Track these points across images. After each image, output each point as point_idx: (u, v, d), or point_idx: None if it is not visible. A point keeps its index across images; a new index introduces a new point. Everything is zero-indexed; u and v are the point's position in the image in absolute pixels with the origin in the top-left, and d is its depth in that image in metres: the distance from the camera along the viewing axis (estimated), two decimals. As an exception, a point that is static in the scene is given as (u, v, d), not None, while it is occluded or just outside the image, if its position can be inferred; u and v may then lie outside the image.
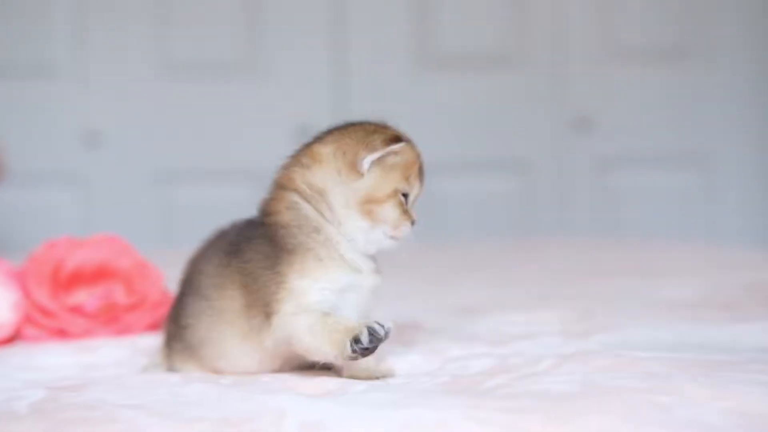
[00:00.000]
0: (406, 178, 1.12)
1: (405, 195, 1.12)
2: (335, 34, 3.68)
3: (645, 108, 3.70)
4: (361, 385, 1.03)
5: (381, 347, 1.03)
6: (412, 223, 1.12)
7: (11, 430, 0.86)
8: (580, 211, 3.71)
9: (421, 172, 1.15)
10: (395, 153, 1.11)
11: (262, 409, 0.91)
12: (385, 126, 1.14)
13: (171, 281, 1.30)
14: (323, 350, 1.03)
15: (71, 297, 1.46)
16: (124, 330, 1.45)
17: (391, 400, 0.92)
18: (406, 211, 1.12)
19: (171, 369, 1.18)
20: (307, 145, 1.16)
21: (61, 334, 1.44)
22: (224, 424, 0.87)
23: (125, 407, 0.94)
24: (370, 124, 1.14)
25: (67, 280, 1.46)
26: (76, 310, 1.45)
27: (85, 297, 1.45)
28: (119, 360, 1.31)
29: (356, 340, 1.01)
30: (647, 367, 0.99)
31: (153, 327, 1.46)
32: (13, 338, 1.45)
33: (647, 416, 0.81)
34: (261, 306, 1.07)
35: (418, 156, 1.14)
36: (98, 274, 1.49)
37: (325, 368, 1.10)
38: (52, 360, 1.29)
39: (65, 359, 1.31)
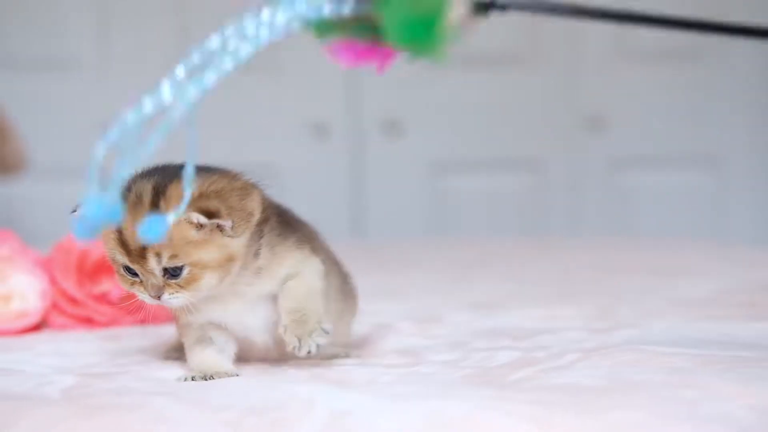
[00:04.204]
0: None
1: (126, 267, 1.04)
2: (352, 30, 3.69)
3: (658, 108, 3.71)
4: (387, 377, 1.05)
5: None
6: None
7: (45, 414, 0.87)
8: (592, 211, 3.72)
9: (123, 244, 1.03)
10: None
11: (289, 398, 0.92)
12: None
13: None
14: None
15: (97, 285, 1.48)
16: (150, 319, 1.46)
17: (417, 392, 0.93)
18: (128, 281, 1.05)
19: None
20: None
21: (87, 322, 1.46)
22: (251, 412, 0.88)
23: (154, 394, 0.95)
24: None
25: (93, 269, 1.48)
26: (102, 298, 1.47)
27: (111, 286, 1.46)
28: (144, 348, 1.32)
29: None
30: (672, 363, 0.99)
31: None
32: (40, 326, 1.46)
33: (675, 411, 0.82)
34: None
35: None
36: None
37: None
38: (79, 347, 1.30)
39: (91, 347, 1.32)
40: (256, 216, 1.06)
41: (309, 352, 1.06)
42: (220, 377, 1.08)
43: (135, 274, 1.04)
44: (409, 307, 1.64)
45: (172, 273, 1.02)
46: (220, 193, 1.03)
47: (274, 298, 1.11)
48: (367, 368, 1.10)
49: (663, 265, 2.12)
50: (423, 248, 2.82)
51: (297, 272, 1.10)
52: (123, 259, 1.03)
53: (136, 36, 3.60)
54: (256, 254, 1.07)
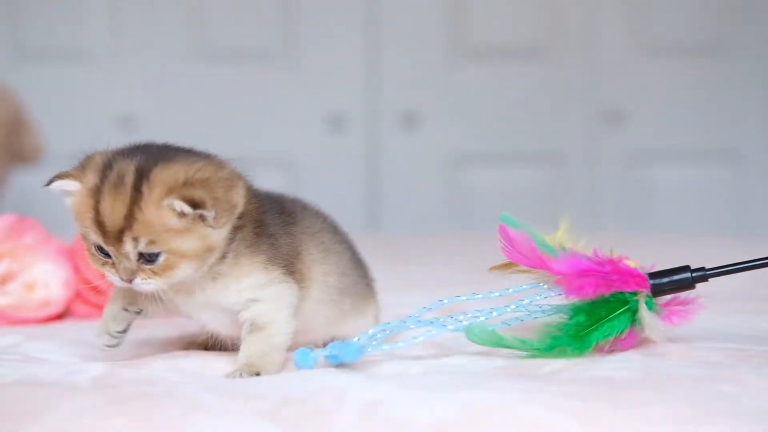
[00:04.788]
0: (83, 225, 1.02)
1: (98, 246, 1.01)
2: (369, 23, 3.68)
3: (677, 102, 3.69)
4: (417, 368, 1.04)
5: None
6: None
7: (79, 402, 0.86)
8: (610, 204, 3.71)
9: (99, 224, 0.99)
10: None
11: (321, 388, 0.91)
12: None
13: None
14: None
15: (122, 275, 1.47)
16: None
17: (450, 383, 0.92)
18: (99, 261, 1.03)
19: None
20: None
21: (111, 311, 1.45)
22: (285, 402, 0.87)
23: (183, 384, 0.95)
24: None
25: (117, 259, 1.47)
26: (126, 288, 1.46)
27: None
28: (169, 338, 1.31)
29: None
30: (706, 357, 0.99)
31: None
32: (63, 315, 1.46)
33: (714, 405, 0.81)
34: None
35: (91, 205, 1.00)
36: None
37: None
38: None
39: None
40: (239, 209, 1.03)
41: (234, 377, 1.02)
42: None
43: (107, 255, 1.00)
44: (431, 298, 1.62)
45: (147, 258, 0.99)
46: (206, 182, 1.00)
47: (224, 311, 1.08)
48: (395, 359, 1.09)
49: (688, 259, 2.09)
50: (441, 241, 2.81)
51: (259, 300, 1.06)
52: (97, 239, 1.00)
53: (149, 29, 3.61)
54: (222, 259, 1.04)
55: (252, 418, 0.85)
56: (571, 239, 1.15)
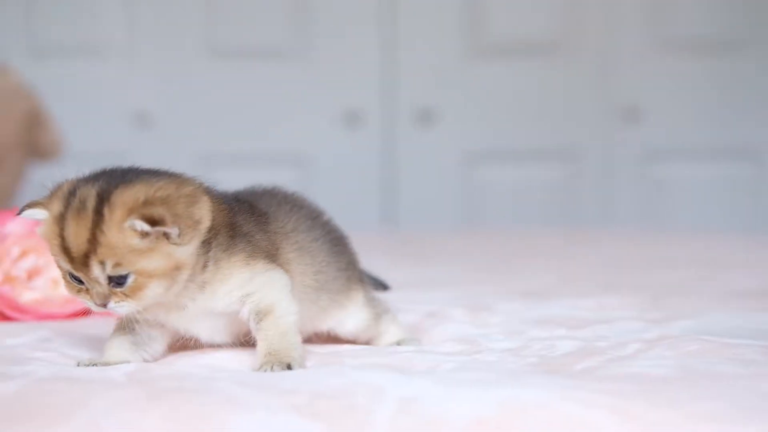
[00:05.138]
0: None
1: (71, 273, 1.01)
2: (385, 19, 3.68)
3: (694, 99, 3.68)
4: (449, 364, 1.04)
5: None
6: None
7: (115, 396, 0.87)
8: (625, 202, 3.70)
9: (65, 251, 1.00)
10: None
11: (356, 383, 0.91)
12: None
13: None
14: None
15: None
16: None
17: (485, 379, 0.92)
18: (74, 289, 1.03)
19: None
20: None
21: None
22: (320, 397, 0.87)
23: (216, 379, 0.95)
24: None
25: (143, 254, 1.47)
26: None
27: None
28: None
29: None
30: (741, 354, 0.98)
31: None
32: (89, 311, 1.46)
33: (755, 403, 0.81)
34: None
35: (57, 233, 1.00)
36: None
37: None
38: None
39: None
40: (205, 224, 1.02)
41: (265, 370, 1.02)
42: (103, 365, 1.05)
43: (81, 282, 1.01)
44: (454, 295, 1.63)
45: (117, 281, 0.99)
46: (167, 200, 0.99)
47: (222, 315, 1.07)
48: (426, 355, 1.09)
49: (709, 257, 2.10)
50: (458, 238, 2.81)
51: (252, 292, 1.05)
52: (66, 266, 1.00)
53: (164, 25, 3.61)
54: (204, 267, 1.03)
55: (287, 412, 0.85)
56: None
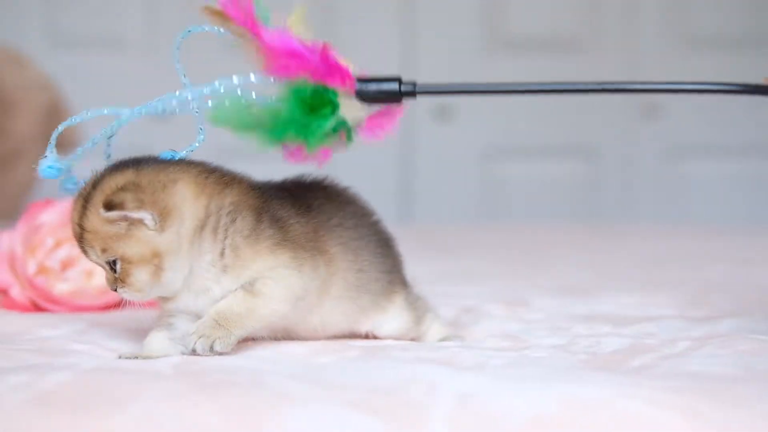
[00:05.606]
0: None
1: None
2: (404, 14, 3.66)
3: (715, 96, 3.64)
4: (498, 360, 1.02)
5: None
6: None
7: (163, 389, 0.85)
8: (646, 199, 3.68)
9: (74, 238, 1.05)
10: None
11: (409, 378, 0.89)
12: None
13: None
14: None
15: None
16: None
17: (539, 376, 0.90)
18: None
19: None
20: None
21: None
22: (374, 392, 0.86)
23: (266, 373, 0.93)
24: None
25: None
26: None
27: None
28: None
29: None
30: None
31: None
32: (122, 302, 1.44)
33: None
34: None
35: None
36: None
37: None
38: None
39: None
40: (184, 211, 1.02)
41: (194, 350, 1.02)
42: (145, 358, 1.05)
43: None
44: (487, 290, 1.61)
45: (112, 267, 1.02)
46: (137, 186, 1.00)
47: None
48: (473, 351, 1.07)
49: (742, 254, 2.08)
50: (480, 232, 2.79)
51: (267, 276, 1.05)
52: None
53: (184, 18, 3.59)
54: (222, 254, 1.04)
55: (341, 407, 0.83)
56: (302, 29, 1.11)
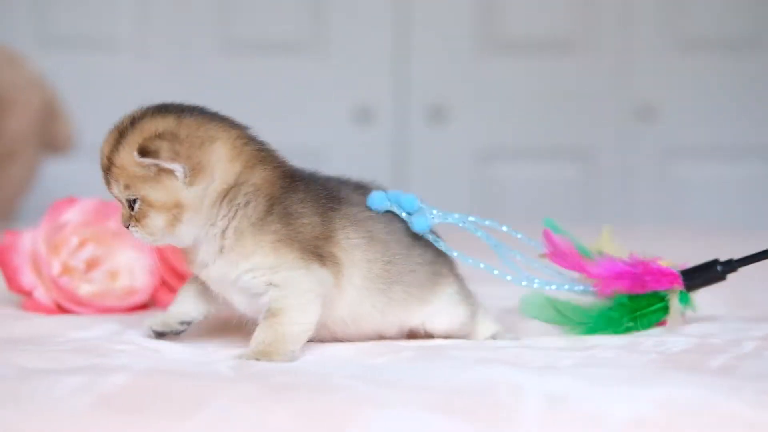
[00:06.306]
0: None
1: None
2: (399, 15, 3.63)
3: (710, 98, 3.64)
4: (566, 360, 0.98)
5: None
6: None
7: (234, 393, 0.80)
8: (642, 201, 3.65)
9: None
10: None
11: (489, 380, 0.85)
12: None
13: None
14: None
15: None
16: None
17: (625, 377, 0.86)
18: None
19: None
20: None
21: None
22: (455, 394, 0.82)
23: (333, 375, 0.89)
24: None
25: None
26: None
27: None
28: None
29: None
30: None
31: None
32: (148, 304, 1.39)
33: None
34: None
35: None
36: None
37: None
38: (197, 325, 1.23)
39: (208, 324, 1.25)
40: (216, 173, 1.02)
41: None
42: (161, 327, 1.11)
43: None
44: (512, 289, 1.56)
45: (131, 205, 1.02)
46: (175, 137, 1.00)
47: (255, 295, 1.05)
48: (534, 351, 1.03)
49: (718, 253, 2.05)
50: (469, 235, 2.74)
51: (276, 285, 1.03)
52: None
53: (176, 19, 3.55)
54: (224, 233, 1.03)
55: (422, 409, 0.79)
56: (611, 245, 1.24)
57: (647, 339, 1.08)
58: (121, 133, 1.02)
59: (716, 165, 3.64)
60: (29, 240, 1.35)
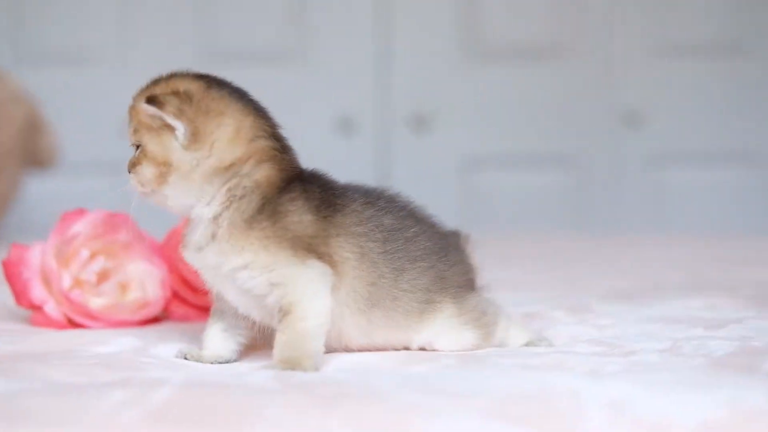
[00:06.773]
0: None
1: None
2: (380, 24, 3.61)
3: (697, 104, 3.64)
4: (612, 366, 0.96)
5: None
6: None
7: (285, 403, 0.78)
8: (628, 208, 3.65)
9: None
10: None
11: (542, 385, 0.83)
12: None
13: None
14: None
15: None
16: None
17: (682, 381, 0.84)
18: None
19: None
20: None
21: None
22: (509, 400, 0.79)
23: (376, 384, 0.86)
24: None
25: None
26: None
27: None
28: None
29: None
30: None
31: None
32: (160, 317, 1.36)
33: None
34: None
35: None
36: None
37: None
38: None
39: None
40: (210, 141, 1.02)
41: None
42: (197, 360, 1.08)
43: None
44: (536, 296, 1.54)
45: (136, 148, 1.05)
46: (190, 98, 1.02)
47: (256, 296, 1.03)
48: (575, 356, 1.01)
49: (750, 256, 2.06)
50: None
51: (279, 283, 1.01)
52: None
53: (156, 30, 3.52)
54: (217, 219, 1.03)
55: (480, 417, 0.77)
56: None
57: (686, 343, 1.06)
58: (155, 81, 1.05)
59: (703, 170, 3.64)
60: (38, 253, 1.31)
